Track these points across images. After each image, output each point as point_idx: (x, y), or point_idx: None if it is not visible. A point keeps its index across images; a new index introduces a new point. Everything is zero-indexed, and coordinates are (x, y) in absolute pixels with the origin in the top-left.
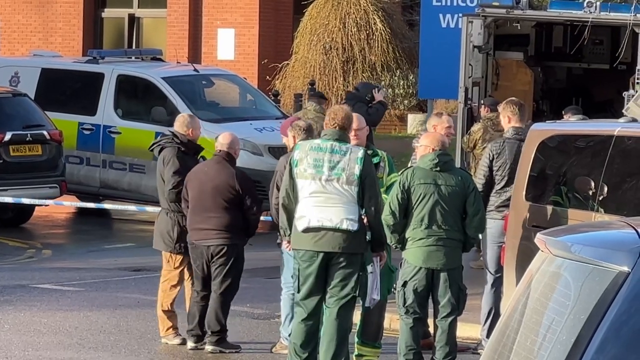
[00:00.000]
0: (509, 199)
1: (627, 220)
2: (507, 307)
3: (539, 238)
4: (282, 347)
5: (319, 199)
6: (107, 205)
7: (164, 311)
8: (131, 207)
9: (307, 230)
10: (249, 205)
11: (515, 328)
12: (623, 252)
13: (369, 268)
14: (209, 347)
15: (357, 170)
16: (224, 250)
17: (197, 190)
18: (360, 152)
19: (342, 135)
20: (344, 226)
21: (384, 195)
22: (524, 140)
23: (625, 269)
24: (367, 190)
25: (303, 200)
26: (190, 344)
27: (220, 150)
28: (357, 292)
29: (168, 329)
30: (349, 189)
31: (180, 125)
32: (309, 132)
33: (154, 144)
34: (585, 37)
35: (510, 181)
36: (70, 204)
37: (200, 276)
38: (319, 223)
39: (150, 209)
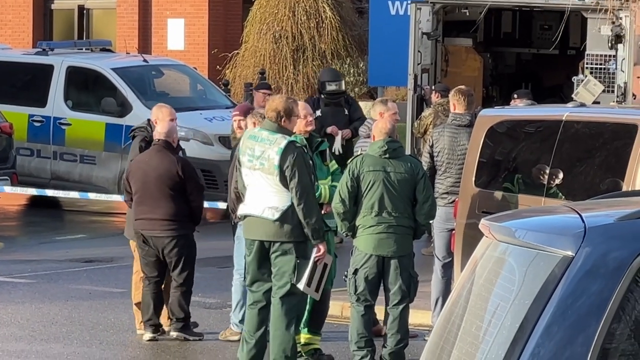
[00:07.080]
0: (452, 186)
1: (572, 205)
2: (452, 293)
3: (483, 224)
4: (231, 334)
5: (250, 188)
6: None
7: (136, 304)
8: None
9: (242, 218)
10: (190, 190)
11: (460, 314)
12: (567, 237)
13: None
14: (173, 334)
15: (276, 160)
16: (175, 242)
17: (141, 181)
18: (283, 143)
19: (272, 125)
20: (265, 215)
21: (328, 183)
22: (462, 126)
23: (570, 253)
24: (289, 180)
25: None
26: (147, 334)
27: (159, 140)
28: (295, 280)
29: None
30: (272, 178)
31: (151, 114)
32: None
33: (131, 130)
34: (541, 24)
35: (449, 167)
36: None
37: (151, 263)
38: (247, 211)
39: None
